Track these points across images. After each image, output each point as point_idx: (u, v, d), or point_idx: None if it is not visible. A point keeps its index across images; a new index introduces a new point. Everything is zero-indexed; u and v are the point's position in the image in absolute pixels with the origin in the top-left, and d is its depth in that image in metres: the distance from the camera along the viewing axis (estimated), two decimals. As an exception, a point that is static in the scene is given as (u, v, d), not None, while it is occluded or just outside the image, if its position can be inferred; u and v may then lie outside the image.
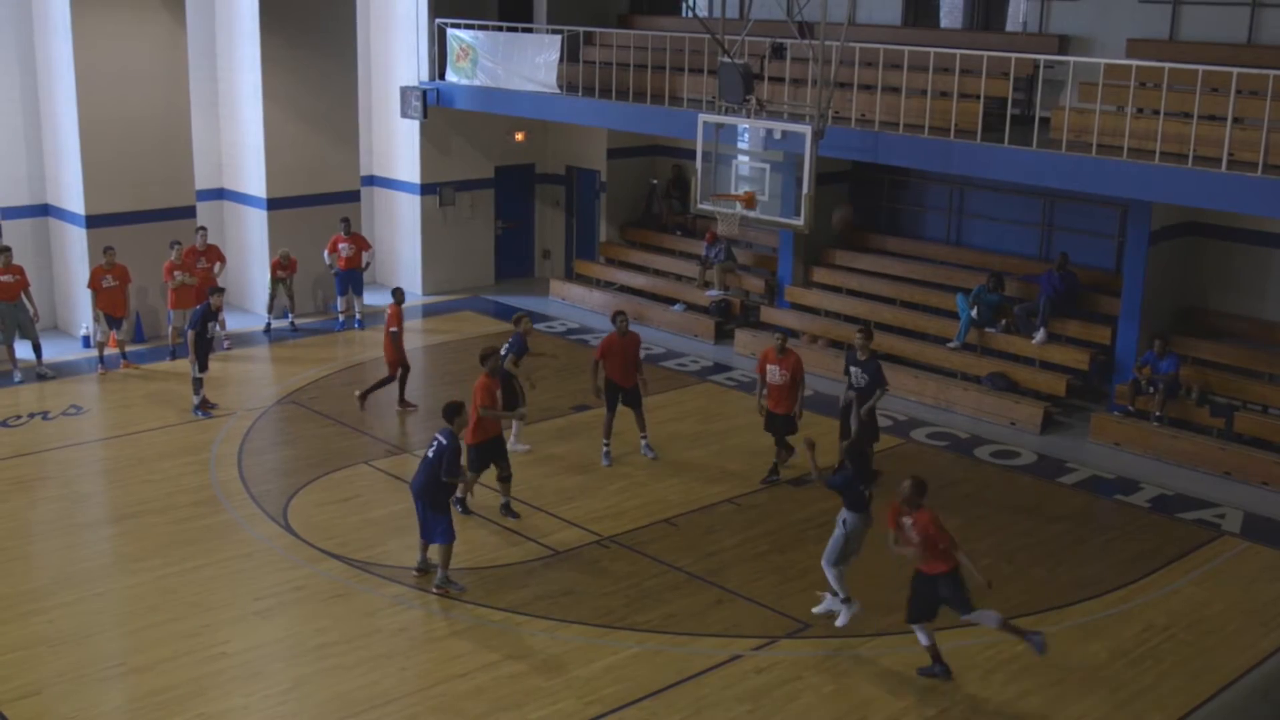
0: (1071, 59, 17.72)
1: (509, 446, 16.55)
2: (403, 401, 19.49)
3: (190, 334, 18.73)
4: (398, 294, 19.70)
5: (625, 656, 12.46)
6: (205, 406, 19.00)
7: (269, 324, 23.43)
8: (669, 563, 14.44)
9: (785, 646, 12.72)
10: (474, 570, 14.22)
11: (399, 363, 19.27)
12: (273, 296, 23.34)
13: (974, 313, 20.06)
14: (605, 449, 17.43)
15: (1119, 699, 11.84)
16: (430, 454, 13.57)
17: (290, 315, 23.57)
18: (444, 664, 12.28)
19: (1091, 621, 13.28)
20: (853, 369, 16.55)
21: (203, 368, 18.91)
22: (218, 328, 18.89)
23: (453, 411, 13.75)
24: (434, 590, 13.59)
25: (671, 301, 24.34)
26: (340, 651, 12.49)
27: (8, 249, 20.45)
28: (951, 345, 20.33)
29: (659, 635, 12.83)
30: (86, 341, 22.02)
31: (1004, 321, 20.11)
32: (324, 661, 12.33)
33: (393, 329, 19.16)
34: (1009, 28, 21.91)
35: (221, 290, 19.22)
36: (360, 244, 23.53)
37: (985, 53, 17.88)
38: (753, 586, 13.91)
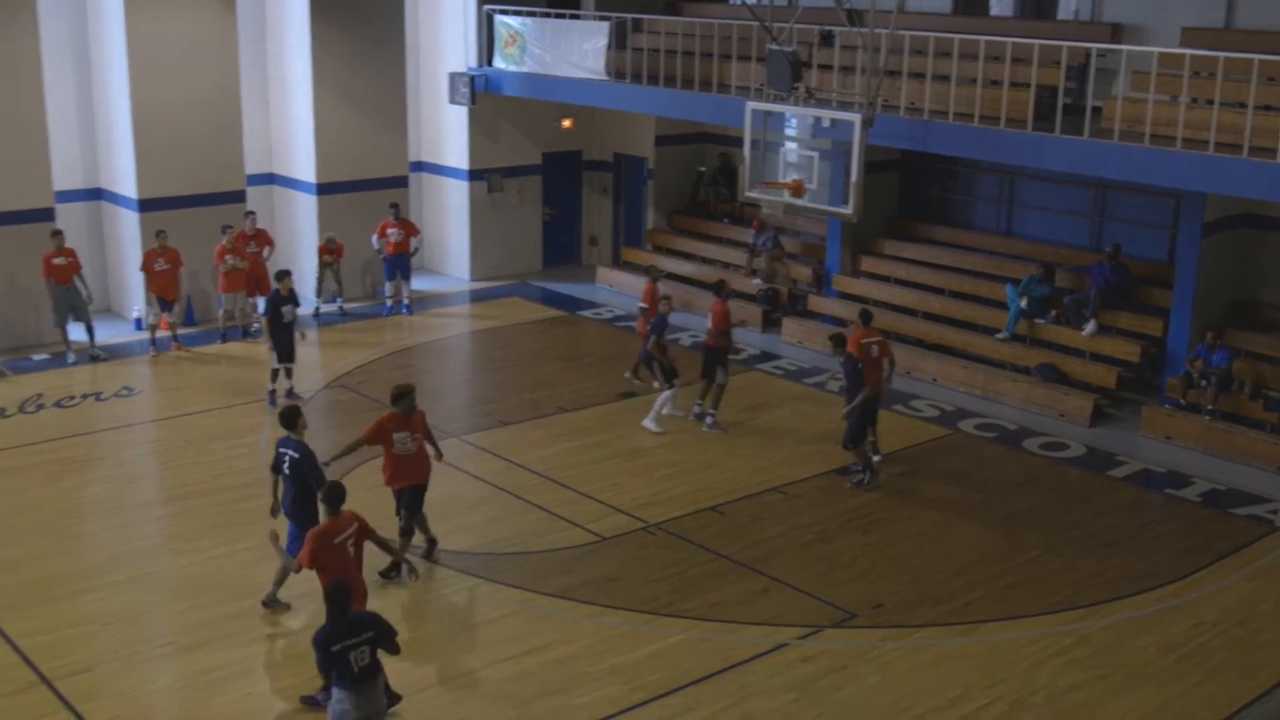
0: (1125, 47, 17.54)
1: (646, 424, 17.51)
2: (636, 371, 19.54)
3: (264, 320, 18.64)
4: (653, 270, 20.11)
5: (671, 643, 12.47)
6: (273, 396, 18.67)
7: (317, 308, 23.55)
8: (715, 550, 14.43)
9: (830, 636, 12.69)
10: (521, 555, 14.27)
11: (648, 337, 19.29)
12: (320, 281, 23.47)
13: (1023, 303, 19.92)
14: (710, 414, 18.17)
15: (1167, 695, 11.74)
16: (287, 470, 12.65)
17: (339, 300, 23.69)
18: (490, 648, 12.34)
19: (1141, 616, 13.17)
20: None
21: (282, 356, 18.60)
22: (291, 310, 18.43)
23: (292, 416, 12.87)
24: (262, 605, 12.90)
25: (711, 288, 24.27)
26: (387, 634, 12.57)
27: (60, 232, 20.65)
28: (1000, 336, 20.21)
29: (704, 623, 12.83)
30: (138, 324, 22.21)
31: (1054, 313, 19.96)
32: (371, 644, 12.41)
33: (643, 304, 19.36)
34: (1061, 16, 21.74)
35: (288, 272, 18.91)
36: (409, 229, 23.63)
37: (1037, 41, 17.71)
38: (799, 575, 13.88)
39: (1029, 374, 19.62)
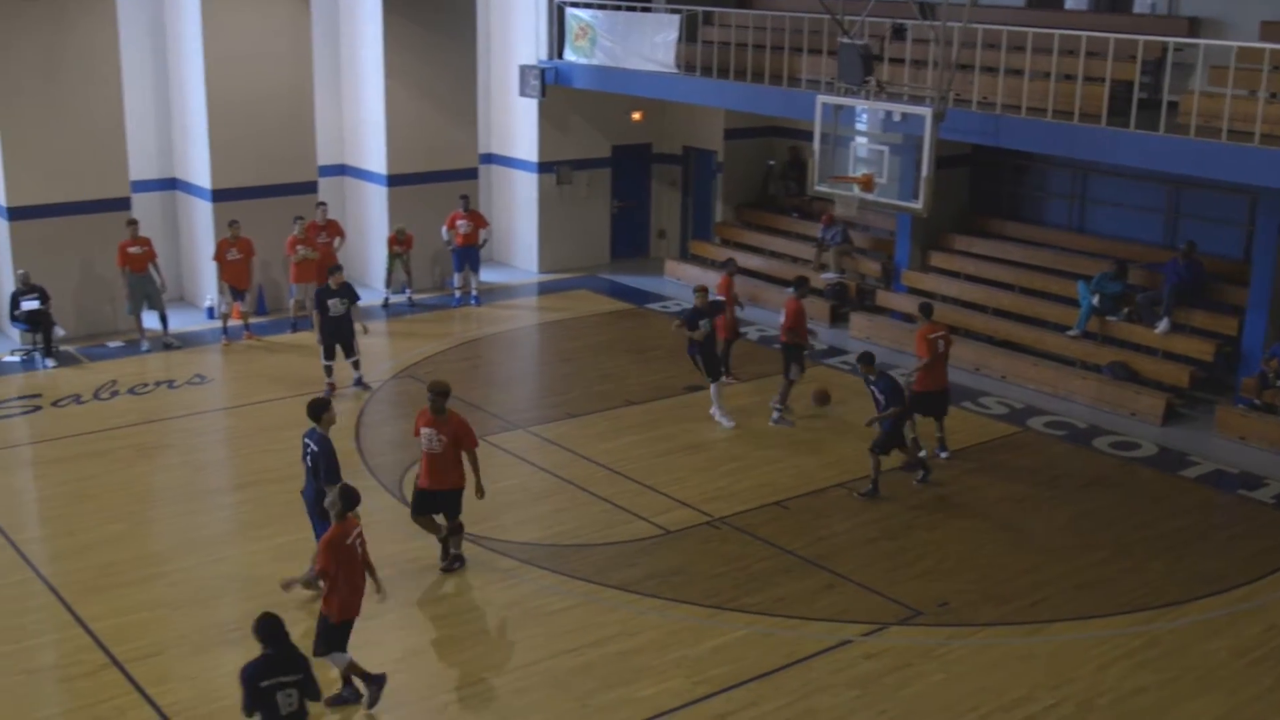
0: (1202, 41, 17.30)
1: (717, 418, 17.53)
2: (728, 372, 19.57)
3: (315, 315, 18.70)
4: (730, 263, 20.11)
5: (734, 638, 12.45)
6: (331, 390, 18.63)
7: (387, 298, 23.72)
8: (780, 545, 14.39)
9: (895, 633, 12.61)
10: (586, 547, 14.30)
11: (727, 327, 19.49)
12: (390, 271, 23.63)
13: (1095, 300, 19.69)
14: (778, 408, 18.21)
15: (1237, 700, 11.56)
16: (308, 462, 12.77)
17: (408, 290, 23.83)
18: (554, 639, 12.37)
19: (1212, 619, 12.98)
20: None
21: (329, 351, 18.72)
22: (341, 304, 18.46)
23: (318, 409, 12.82)
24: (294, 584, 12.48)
25: (787, 284, 24.17)
26: (452, 624, 12.66)
27: (135, 221, 20.93)
28: (1071, 333, 19.99)
29: (768, 618, 12.80)
30: (211, 313, 22.47)
31: (1126, 310, 19.71)
32: (436, 633, 12.50)
33: (719, 298, 19.32)
34: (1137, 10, 21.45)
35: (339, 267, 19.07)
36: (478, 221, 23.73)
37: (1112, 35, 17.49)
38: (863, 572, 13.81)
39: (1100, 372, 19.39)
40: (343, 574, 10.96)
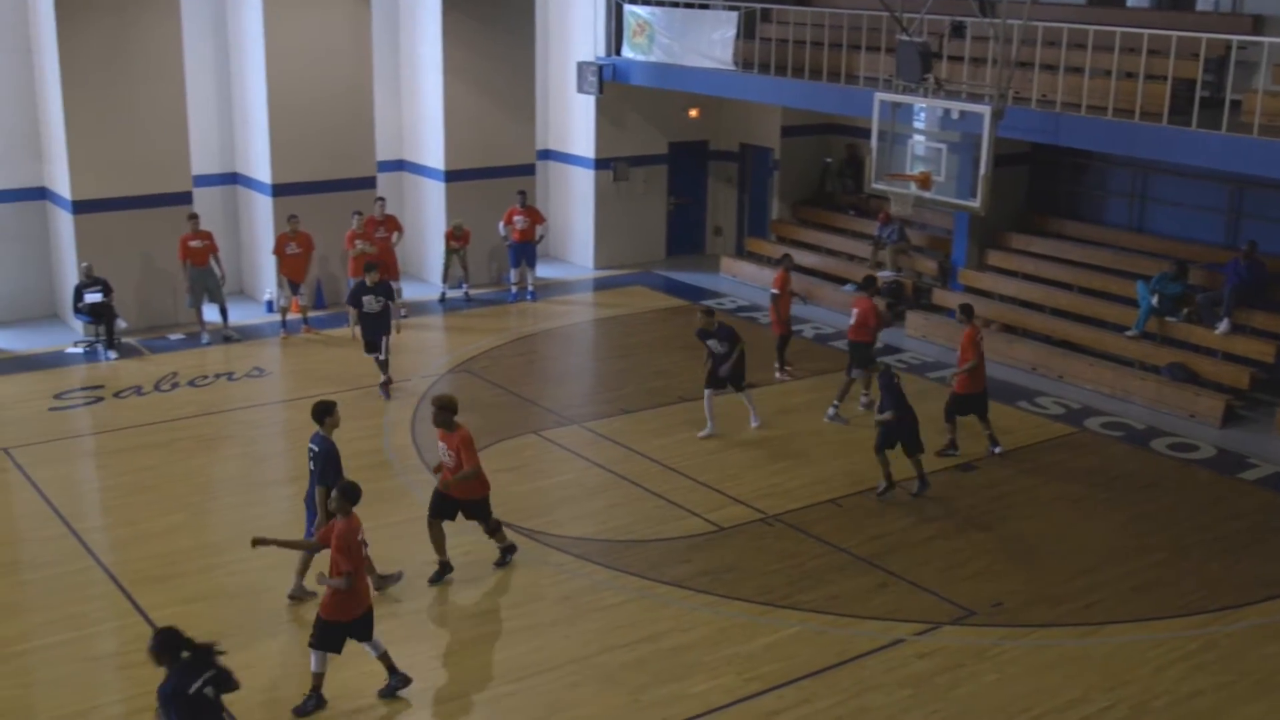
0: (1266, 40, 17.09)
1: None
2: (783, 366, 19.87)
3: (351, 313, 18.68)
4: (786, 259, 20.08)
5: (786, 635, 12.43)
6: (385, 386, 18.82)
7: (443, 293, 23.84)
8: (833, 543, 14.35)
9: (949, 633, 12.54)
10: (639, 543, 14.32)
11: (782, 322, 19.65)
12: (447, 266, 23.75)
13: (1155, 301, 19.48)
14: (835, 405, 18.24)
15: (1296, 704, 11.46)
16: (312, 465, 12.69)
17: (465, 286, 23.93)
18: (607, 634, 12.40)
19: (1270, 623, 12.82)
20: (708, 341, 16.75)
21: (368, 348, 18.68)
22: (376, 301, 18.36)
23: (321, 412, 12.84)
24: (288, 596, 12.90)
25: (843, 281, 24.13)
26: (505, 617, 12.72)
27: (196, 215, 21.15)
28: (1130, 333, 19.79)
29: (821, 615, 12.76)
30: (270, 306, 22.66)
31: (1186, 311, 19.49)
32: (489, 626, 12.57)
33: (774, 291, 19.52)
34: (1200, 7, 21.21)
35: (375, 266, 18.86)
36: (535, 217, 23.80)
37: (1175, 33, 17.30)
38: (917, 571, 13.74)
39: (1158, 373, 19.19)
40: (354, 565, 10.99)
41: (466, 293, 23.98)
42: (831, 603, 13.06)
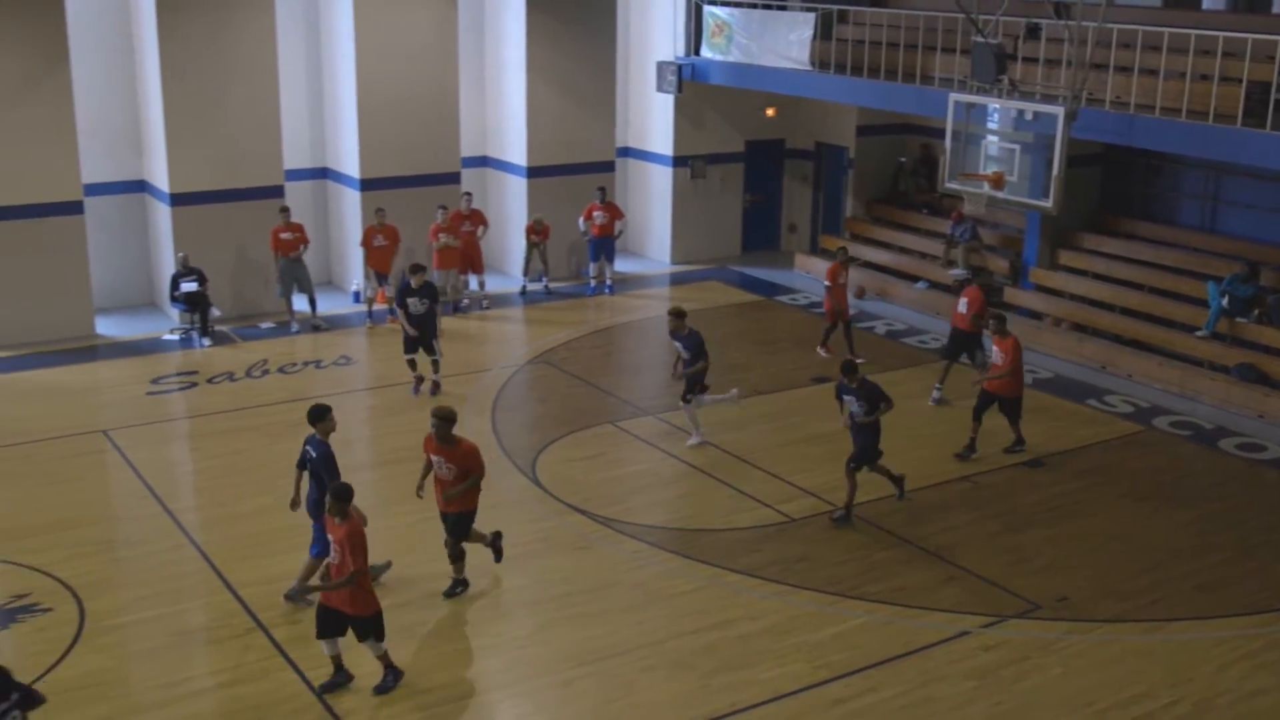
0: (1343, 43, 16.81)
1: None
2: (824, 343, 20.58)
3: (400, 312, 18.37)
4: (841, 252, 20.60)
5: (854, 625, 12.45)
6: (417, 384, 18.53)
7: (524, 286, 24.02)
8: (901, 536, 14.34)
9: (1014, 626, 12.50)
10: (711, 532, 14.38)
11: (833, 312, 20.16)
12: (527, 260, 23.92)
13: (1225, 302, 19.23)
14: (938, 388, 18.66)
15: (1361, 703, 11.31)
16: (308, 468, 12.58)
17: (545, 279, 24.09)
18: (678, 620, 12.47)
19: (1336, 622, 12.69)
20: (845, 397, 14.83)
21: (407, 348, 18.35)
22: (420, 303, 18.04)
23: (317, 415, 12.65)
24: (284, 597, 12.69)
25: (915, 279, 24.03)
26: (582, 601, 12.82)
27: (287, 208, 21.46)
28: (1200, 334, 19.55)
29: (888, 607, 12.76)
30: (357, 297, 22.95)
31: (1257, 312, 19.22)
32: (566, 610, 12.67)
33: (826, 283, 20.19)
34: (1276, 9, 20.88)
35: (421, 267, 18.40)
36: (614, 213, 23.91)
37: (1250, 35, 17.07)
38: (984, 565, 13.70)
39: (1228, 373, 18.94)
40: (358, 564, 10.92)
41: (546, 286, 24.13)
42: (899, 594, 13.05)
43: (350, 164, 23.11)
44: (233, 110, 21.53)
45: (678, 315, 16.83)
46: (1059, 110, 16.74)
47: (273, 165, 22.18)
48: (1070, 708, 11.14)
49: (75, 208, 20.79)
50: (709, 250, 26.71)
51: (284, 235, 21.19)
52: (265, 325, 21.74)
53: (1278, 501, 15.52)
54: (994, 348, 16.65)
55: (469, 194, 23.12)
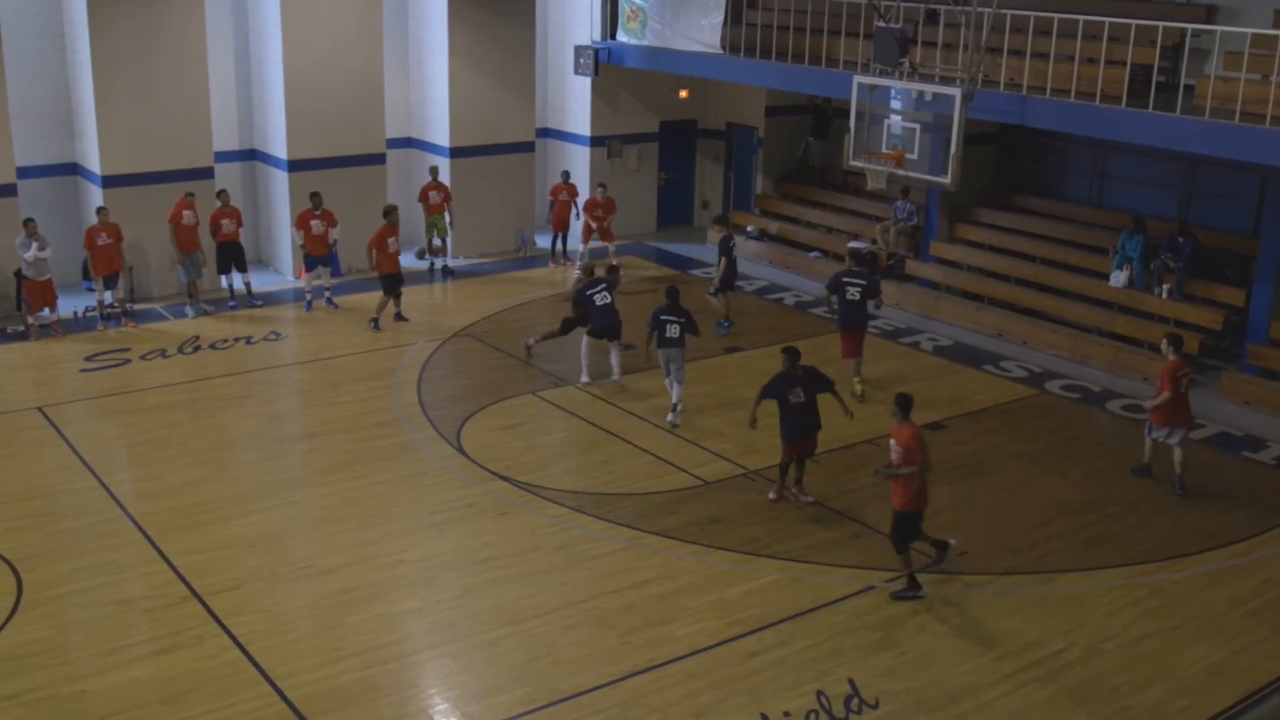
0: (1218, 28, 17.06)
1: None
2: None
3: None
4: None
5: (767, 582, 12.54)
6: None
7: (431, 263, 23.65)
8: (811, 496, 14.43)
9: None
10: (629, 496, 14.40)
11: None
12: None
13: (1127, 273, 19.47)
14: None
15: (1235, 646, 11.57)
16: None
17: (434, 258, 23.70)
18: (598, 581, 12.49)
19: (1213, 571, 12.96)
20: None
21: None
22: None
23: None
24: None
25: (808, 249, 24.20)
26: (505, 565, 12.79)
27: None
28: (1117, 285, 19.76)
29: (799, 564, 12.86)
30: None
31: (1152, 265, 19.44)
32: (490, 573, 12.64)
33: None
34: (1158, -4, 21.14)
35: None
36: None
37: (1134, 21, 17.30)
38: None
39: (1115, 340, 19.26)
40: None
41: (445, 265, 23.81)
42: (808, 552, 13.16)
43: (278, 145, 22.77)
44: (162, 93, 21.11)
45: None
46: (956, 92, 16.87)
47: (202, 147, 21.78)
48: (968, 655, 11.31)
49: (9, 190, 20.31)
50: (626, 227, 26.57)
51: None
52: (199, 304, 21.23)
53: (1161, 458, 15.76)
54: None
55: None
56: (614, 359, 18.04)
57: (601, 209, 23.49)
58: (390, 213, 20.25)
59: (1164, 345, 14.99)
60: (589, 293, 17.99)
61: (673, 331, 16.59)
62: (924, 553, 12.74)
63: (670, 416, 16.48)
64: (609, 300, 17.97)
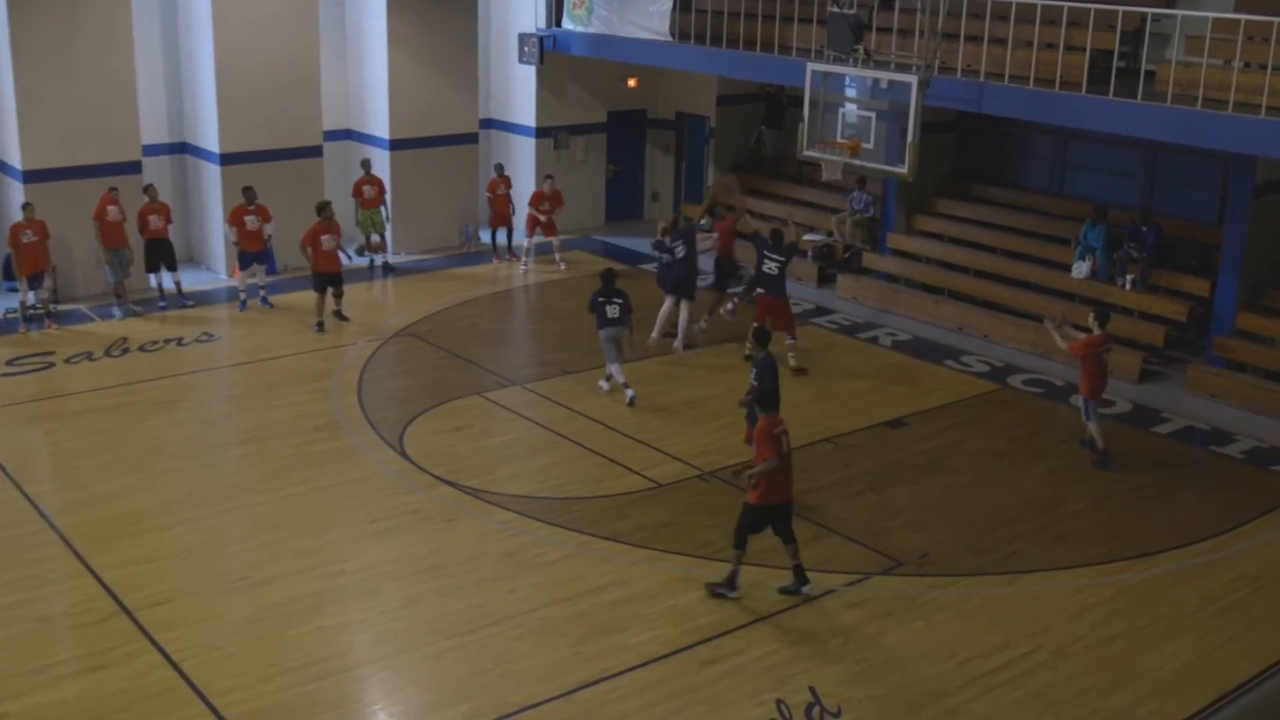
0: (1179, 13, 17.17)
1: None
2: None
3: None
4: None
5: (722, 587, 12.45)
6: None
7: (371, 260, 23.39)
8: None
9: (877, 583, 12.60)
10: (580, 500, 14.27)
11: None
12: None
13: (1089, 264, 19.54)
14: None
15: (1206, 645, 11.59)
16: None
17: (373, 254, 23.47)
18: (548, 588, 12.35)
19: (1181, 569, 12.99)
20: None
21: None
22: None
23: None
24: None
25: (745, 238, 24.15)
26: (451, 573, 12.62)
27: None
28: (1079, 276, 19.81)
29: (756, 568, 12.72)
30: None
31: (1116, 255, 19.52)
32: (435, 582, 12.47)
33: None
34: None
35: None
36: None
37: (1092, 5, 17.33)
38: (848, 523, 13.79)
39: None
40: None
41: (385, 261, 23.54)
42: (765, 555, 13.00)
43: (209, 138, 22.44)
44: (87, 84, 20.72)
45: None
46: (913, 79, 16.87)
47: (129, 139, 21.41)
48: (933, 660, 11.26)
49: (-73, 186, 19.96)
50: (574, 220, 26.45)
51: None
52: (127, 304, 20.88)
53: (1127, 455, 15.83)
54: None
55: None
56: (682, 320, 18.97)
57: (549, 202, 23.33)
58: (324, 209, 19.97)
59: (1090, 319, 15.65)
60: (671, 244, 19.13)
61: (613, 311, 17.10)
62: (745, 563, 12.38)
63: (629, 393, 16.95)
64: (684, 254, 18.98)
